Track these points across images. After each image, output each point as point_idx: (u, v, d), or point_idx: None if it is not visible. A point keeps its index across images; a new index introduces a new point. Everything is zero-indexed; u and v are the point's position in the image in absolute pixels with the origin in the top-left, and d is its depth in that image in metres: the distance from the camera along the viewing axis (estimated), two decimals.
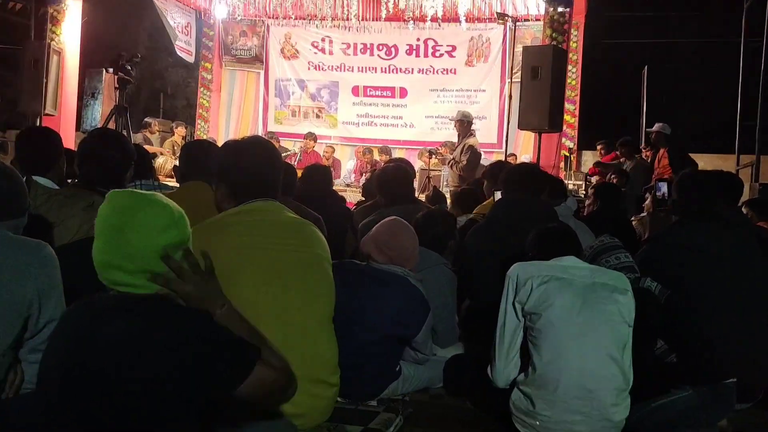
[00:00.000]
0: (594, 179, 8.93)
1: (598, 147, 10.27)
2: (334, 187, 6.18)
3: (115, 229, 1.61)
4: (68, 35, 9.82)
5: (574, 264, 2.67)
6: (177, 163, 8.10)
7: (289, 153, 11.33)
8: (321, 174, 4.98)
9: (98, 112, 10.21)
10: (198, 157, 3.23)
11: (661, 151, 8.35)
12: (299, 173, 5.26)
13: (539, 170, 4.20)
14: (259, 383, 1.63)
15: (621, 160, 9.04)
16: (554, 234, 2.85)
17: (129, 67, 7.46)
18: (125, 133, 7.12)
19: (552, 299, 2.55)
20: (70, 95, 9.91)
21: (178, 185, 3.56)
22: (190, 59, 13.40)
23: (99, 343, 1.57)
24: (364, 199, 5.79)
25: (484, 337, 2.93)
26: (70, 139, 9.79)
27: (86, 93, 9.57)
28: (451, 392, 3.06)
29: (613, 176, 7.89)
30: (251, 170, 2.38)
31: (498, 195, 4.13)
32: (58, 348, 1.66)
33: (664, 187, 5.16)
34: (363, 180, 9.91)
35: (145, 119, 11.43)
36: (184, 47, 12.86)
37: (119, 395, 1.55)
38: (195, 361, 1.57)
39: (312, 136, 11.67)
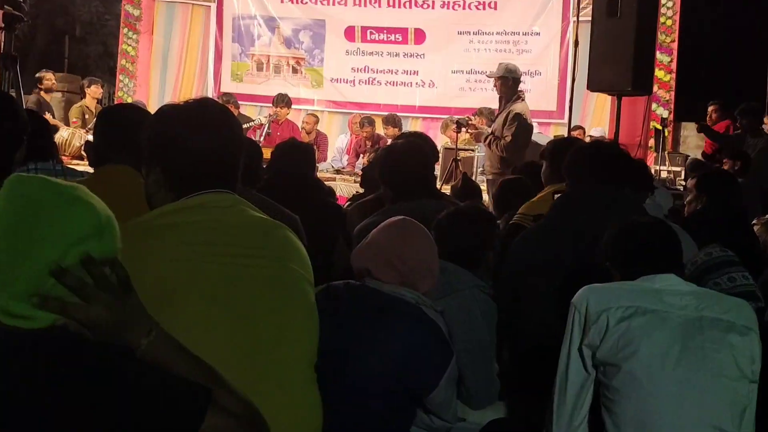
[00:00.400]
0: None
1: (710, 109, 10.17)
2: (318, 174, 6.20)
3: (11, 232, 1.61)
4: None
5: (673, 287, 2.65)
6: (90, 138, 8.14)
7: (252, 124, 11.36)
8: (298, 155, 4.98)
9: None
10: (121, 129, 3.24)
11: None
12: (267, 154, 5.28)
13: (621, 152, 4.19)
14: None
15: (739, 135, 9.00)
16: (645, 234, 2.82)
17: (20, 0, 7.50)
18: (15, 94, 7.15)
19: (637, 344, 2.53)
20: None
21: (90, 170, 3.57)
22: None
23: None
24: (362, 191, 5.80)
25: (537, 395, 2.93)
26: None
27: None
28: None
29: (727, 160, 7.88)
30: (198, 149, 2.37)
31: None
32: None
33: None
34: (361, 164, 9.94)
35: (40, 73, 11.45)
36: None
37: None
38: None
39: (284, 99, 11.70)
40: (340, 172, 10.55)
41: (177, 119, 2.45)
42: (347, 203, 5.84)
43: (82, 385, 1.57)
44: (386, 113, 11.73)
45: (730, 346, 2.55)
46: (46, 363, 1.58)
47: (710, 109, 9.94)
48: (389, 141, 10.24)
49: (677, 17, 11.11)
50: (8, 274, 1.59)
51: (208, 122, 2.43)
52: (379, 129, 11.43)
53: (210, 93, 13.48)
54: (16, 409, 1.55)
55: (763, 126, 9.23)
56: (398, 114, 11.73)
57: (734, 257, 3.17)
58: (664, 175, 9.54)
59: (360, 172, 8.02)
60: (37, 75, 11.37)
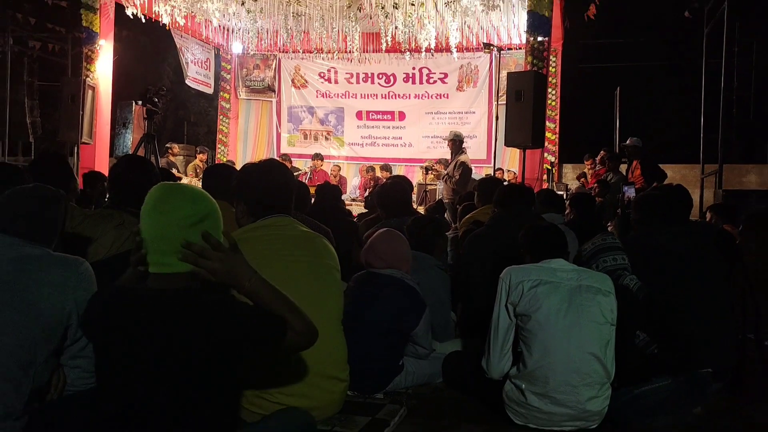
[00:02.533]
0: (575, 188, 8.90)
1: (602, 154, 9.69)
2: (341, 203, 6.19)
3: (150, 211, 1.65)
4: (101, 72, 9.87)
5: (562, 266, 2.63)
6: (200, 184, 8.09)
7: (300, 172, 11.36)
8: (331, 192, 5.00)
9: (129, 140, 10.27)
10: (219, 178, 3.24)
11: (634, 162, 8.34)
12: (312, 190, 5.28)
13: (525, 187, 4.21)
14: (286, 348, 1.69)
15: (607, 174, 8.93)
16: (544, 232, 2.80)
17: (156, 99, 7.47)
18: (153, 159, 7.13)
19: (541, 302, 2.52)
20: (103, 125, 9.94)
21: None
22: (209, 91, 13.46)
23: (153, 329, 1.58)
24: (366, 211, 5.77)
25: (479, 334, 2.92)
26: (104, 164, 9.82)
27: (118, 123, 9.61)
28: (450, 384, 3.05)
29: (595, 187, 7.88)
30: (267, 189, 2.38)
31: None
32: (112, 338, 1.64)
33: (629, 191, 5.13)
34: (366, 194, 9.93)
35: (166, 144, 11.46)
36: (201, 80, 12.91)
37: (166, 377, 1.57)
38: (229, 346, 1.59)
39: (319, 157, 11.73)
40: (354, 200, 10.55)
41: (254, 171, 2.46)
42: (356, 219, 5.79)
43: (211, 321, 1.60)
44: (382, 163, 11.71)
45: (597, 303, 2.53)
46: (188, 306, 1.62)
47: (602, 153, 9.61)
48: (384, 180, 10.25)
49: (558, 99, 11.09)
50: (156, 238, 1.64)
51: (271, 172, 2.43)
52: (378, 173, 11.44)
53: (273, 154, 13.46)
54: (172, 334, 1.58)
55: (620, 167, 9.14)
56: (390, 163, 11.75)
57: (619, 244, 3.09)
58: None
59: (365, 200, 8.01)
60: (167, 145, 11.39)
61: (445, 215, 7.36)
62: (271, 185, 2.39)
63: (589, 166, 9.98)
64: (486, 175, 10.09)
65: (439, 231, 3.58)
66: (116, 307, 1.67)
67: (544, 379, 2.49)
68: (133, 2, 9.98)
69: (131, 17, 10.20)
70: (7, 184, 2.33)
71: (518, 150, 8.21)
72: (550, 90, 9.86)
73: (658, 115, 14.13)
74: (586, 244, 3.11)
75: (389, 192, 4.20)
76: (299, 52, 12.81)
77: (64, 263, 1.98)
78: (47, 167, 3.14)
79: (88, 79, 9.47)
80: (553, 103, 10.80)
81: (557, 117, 10.93)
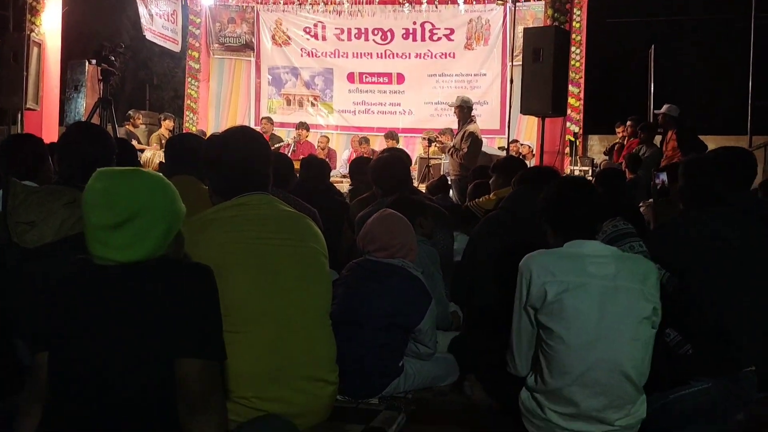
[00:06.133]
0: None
1: (628, 124, 9.75)
2: (331, 179, 6.18)
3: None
4: (48, 26, 9.80)
5: (595, 252, 2.47)
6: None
7: (282, 144, 11.32)
8: (318, 167, 4.98)
9: (81, 106, 10.20)
10: (184, 150, 3.22)
11: (669, 133, 8.34)
12: (297, 164, 5.26)
13: (550, 169, 4.22)
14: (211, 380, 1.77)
15: (639, 146, 8.92)
16: (572, 199, 2.57)
17: (112, 58, 7.42)
18: (110, 127, 7.10)
19: (567, 315, 2.39)
20: (52, 88, 9.89)
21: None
22: (176, 48, 13.34)
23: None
24: (352, 186, 5.77)
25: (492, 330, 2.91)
26: (53, 134, 9.78)
27: (68, 86, 9.56)
28: (464, 368, 3.06)
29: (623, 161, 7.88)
30: (238, 164, 2.36)
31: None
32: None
33: (662, 176, 5.12)
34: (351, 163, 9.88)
35: (129, 112, 11.41)
36: (168, 35, 12.80)
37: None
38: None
39: (304, 126, 11.66)
40: (345, 177, 10.50)
41: (221, 144, 2.45)
42: (347, 195, 5.78)
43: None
44: (385, 132, 11.65)
45: (639, 311, 2.42)
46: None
47: (628, 123, 9.69)
48: (377, 153, 10.24)
49: (583, 60, 11.07)
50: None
51: (241, 144, 2.41)
52: (374, 145, 11.44)
53: (251, 122, 13.40)
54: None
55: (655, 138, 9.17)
56: (395, 132, 11.69)
57: (633, 229, 3.07)
58: (577, 173, 9.52)
59: (348, 168, 7.94)
60: (128, 113, 11.32)
61: (450, 194, 7.36)
62: (243, 159, 2.37)
63: (620, 136, 9.96)
64: (499, 147, 10.14)
65: (422, 210, 3.57)
66: (75, 282, 1.75)
67: (566, 400, 2.44)
68: None
69: None
70: None
71: (536, 119, 8.22)
72: (573, 48, 9.85)
73: (699, 79, 14.08)
74: (609, 224, 3.11)
75: (385, 166, 4.19)
76: (280, 3, 12.72)
77: None
78: (18, 149, 3.15)
79: (32, 34, 9.40)
80: (577, 64, 10.79)
81: (582, 80, 10.92)
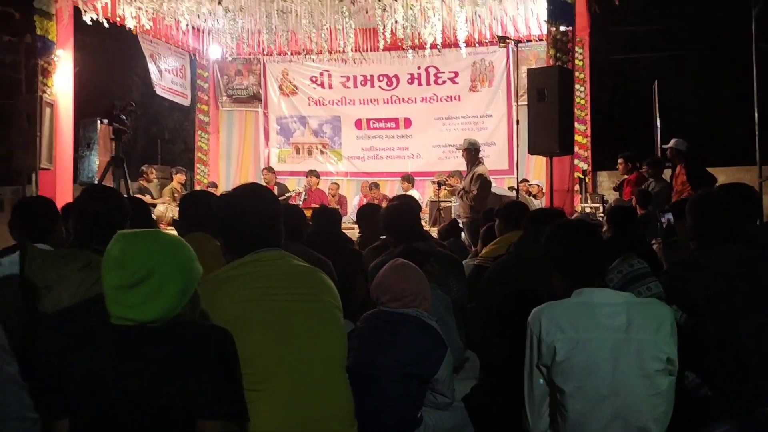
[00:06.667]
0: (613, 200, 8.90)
1: (619, 162, 9.87)
2: (342, 226, 6.20)
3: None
4: (60, 87, 9.96)
5: (606, 301, 2.41)
6: (177, 210, 8.11)
7: (291, 194, 11.39)
8: (329, 217, 5.01)
9: (94, 163, 10.26)
10: (197, 208, 3.26)
11: (678, 167, 8.35)
12: (308, 212, 5.29)
13: (557, 210, 4.23)
14: None
15: (648, 181, 8.91)
16: (578, 240, 2.54)
17: (123, 117, 7.55)
18: (123, 184, 7.19)
19: (578, 376, 2.35)
20: (65, 148, 10.01)
21: (176, 233, 3.58)
22: (186, 102, 13.55)
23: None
24: (360, 234, 5.78)
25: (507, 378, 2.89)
26: (67, 192, 9.89)
27: (81, 144, 9.65)
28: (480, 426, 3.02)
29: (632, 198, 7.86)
30: (249, 223, 2.39)
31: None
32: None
33: (668, 216, 5.10)
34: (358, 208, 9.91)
35: (142, 167, 11.55)
36: (176, 90, 13.02)
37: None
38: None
39: (314, 174, 11.79)
40: (356, 223, 10.50)
41: (231, 203, 2.48)
42: (357, 241, 5.77)
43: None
44: (396, 176, 11.84)
45: (655, 363, 2.36)
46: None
47: (619, 161, 9.80)
48: (388, 199, 10.31)
49: (588, 97, 11.14)
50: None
51: (251, 203, 2.44)
52: (390, 188, 11.51)
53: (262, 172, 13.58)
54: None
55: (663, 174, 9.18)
56: (411, 175, 11.77)
57: (648, 268, 3.02)
58: (588, 210, 9.51)
59: (356, 214, 7.95)
60: (141, 168, 11.47)
61: (462, 237, 7.36)
62: (254, 218, 2.40)
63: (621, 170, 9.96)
64: (509, 187, 10.16)
65: (427, 258, 3.58)
66: (104, 347, 1.78)
67: None
68: (93, 5, 10.09)
69: (90, 23, 10.30)
70: None
71: (544, 158, 8.24)
72: (577, 87, 9.91)
73: (705, 111, 14.14)
74: (610, 273, 3.07)
75: (395, 215, 4.22)
76: (286, 54, 12.92)
77: None
78: (31, 212, 3.19)
79: (45, 95, 9.54)
80: (582, 102, 10.84)
81: (588, 117, 10.96)
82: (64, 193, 9.73)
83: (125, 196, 4.03)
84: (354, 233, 8.11)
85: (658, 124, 11.71)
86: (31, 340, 2.39)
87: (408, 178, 11.49)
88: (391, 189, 12.17)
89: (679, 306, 2.92)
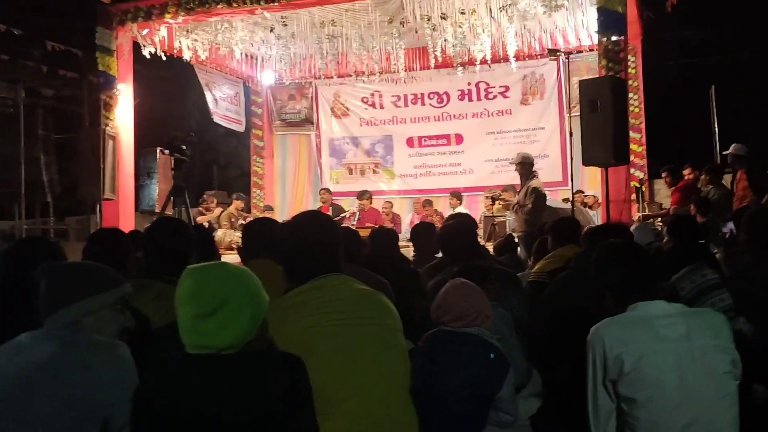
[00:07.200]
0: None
1: (663, 175, 9.87)
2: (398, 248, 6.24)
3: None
4: (121, 119, 10.31)
5: (663, 313, 2.45)
6: (237, 235, 8.29)
7: (345, 214, 11.51)
8: (386, 238, 5.06)
9: (155, 192, 10.59)
10: (260, 235, 3.36)
11: (739, 173, 8.18)
12: (363, 231, 5.34)
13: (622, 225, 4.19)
14: None
15: (707, 187, 8.74)
16: (628, 261, 2.59)
17: (184, 147, 7.77)
18: (185, 212, 7.39)
19: (648, 384, 2.36)
20: (127, 177, 10.33)
21: (238, 258, 3.69)
22: (240, 128, 13.85)
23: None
24: (416, 253, 5.81)
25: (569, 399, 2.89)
26: (129, 221, 10.20)
27: (142, 173, 9.98)
28: None
29: (690, 206, 7.70)
30: (310, 251, 2.47)
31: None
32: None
33: (730, 225, 4.98)
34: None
35: (203, 196, 11.85)
36: (231, 117, 13.34)
37: None
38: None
39: (366, 195, 11.89)
40: (410, 241, 10.55)
41: (292, 234, 2.57)
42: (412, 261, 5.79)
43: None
44: (448, 192, 11.90)
45: (720, 367, 2.39)
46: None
47: (663, 175, 9.68)
48: (449, 212, 10.35)
49: (642, 105, 11.01)
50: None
51: (311, 230, 2.53)
52: (442, 205, 11.60)
53: (316, 193, 13.64)
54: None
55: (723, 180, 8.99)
56: (459, 191, 11.87)
57: (719, 279, 3.02)
58: (646, 219, 9.37)
59: (410, 234, 8.01)
60: (204, 197, 11.82)
61: (518, 252, 7.34)
62: (313, 244, 2.48)
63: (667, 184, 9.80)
64: (564, 199, 10.08)
65: (486, 275, 3.59)
66: (184, 376, 1.86)
67: None
68: (152, 39, 10.43)
69: (149, 56, 10.64)
70: (43, 259, 2.49)
71: (599, 168, 8.18)
72: (631, 95, 9.84)
73: (764, 115, 13.79)
74: (682, 281, 3.06)
75: (452, 234, 4.25)
76: (337, 77, 13.11)
77: (97, 348, 2.10)
78: (106, 243, 3.35)
79: (107, 128, 9.88)
80: (637, 110, 10.73)
81: (643, 126, 10.83)
82: (126, 221, 10.03)
83: (188, 223, 4.16)
84: (408, 251, 8.17)
85: (717, 129, 11.49)
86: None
87: (457, 195, 11.53)
88: (444, 205, 12.17)
89: (747, 318, 2.89)
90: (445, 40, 10.39)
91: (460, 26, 10.15)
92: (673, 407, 2.36)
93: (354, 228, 8.29)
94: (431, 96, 13.26)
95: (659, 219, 9.35)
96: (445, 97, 13.18)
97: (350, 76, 13.02)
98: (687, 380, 2.36)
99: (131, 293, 2.36)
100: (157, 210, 9.00)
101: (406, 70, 11.95)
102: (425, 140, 13.39)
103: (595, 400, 2.49)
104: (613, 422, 2.49)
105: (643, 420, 2.38)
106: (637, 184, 10.12)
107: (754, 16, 13.73)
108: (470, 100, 13.06)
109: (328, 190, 12.34)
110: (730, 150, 8.32)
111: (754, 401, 2.71)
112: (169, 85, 14.82)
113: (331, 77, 13.15)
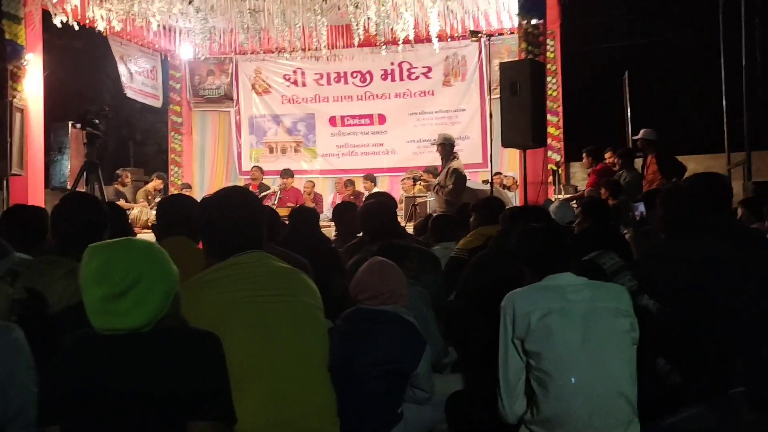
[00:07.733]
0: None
1: (584, 156, 10.18)
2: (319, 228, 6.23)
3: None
4: (30, 91, 9.85)
5: (570, 283, 2.62)
6: (154, 213, 8.10)
7: (267, 192, 11.40)
8: (307, 217, 5.03)
9: (66, 168, 10.20)
10: (175, 212, 3.29)
11: (649, 157, 8.49)
12: (283, 211, 5.30)
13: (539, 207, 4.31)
14: None
15: (618, 170, 9.02)
16: (543, 238, 2.79)
17: (97, 122, 7.51)
18: (98, 189, 7.16)
19: (554, 336, 2.50)
20: (36, 153, 9.91)
21: (154, 237, 3.61)
22: (157, 104, 13.46)
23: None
24: (337, 232, 5.83)
25: (484, 371, 2.96)
26: (39, 198, 9.80)
27: (53, 149, 9.58)
28: (456, 429, 3.09)
29: (602, 189, 7.95)
30: (232, 226, 2.44)
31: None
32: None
33: (641, 207, 5.19)
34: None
35: (117, 171, 11.49)
36: (148, 92, 12.95)
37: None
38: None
39: (288, 173, 11.79)
40: (332, 220, 10.56)
41: (213, 207, 2.53)
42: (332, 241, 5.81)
43: None
44: (363, 174, 11.86)
45: (619, 327, 2.55)
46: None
47: (584, 156, 9.96)
48: (365, 194, 10.36)
49: (560, 89, 11.23)
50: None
51: (234, 206, 2.49)
52: (359, 187, 11.57)
53: (235, 172, 13.59)
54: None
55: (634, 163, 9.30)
56: (373, 174, 11.89)
57: (622, 263, 3.14)
58: (563, 199, 9.62)
59: (332, 213, 8.01)
60: (116, 172, 11.43)
61: None
62: (235, 221, 2.45)
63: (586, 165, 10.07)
64: (483, 181, 10.25)
65: (406, 254, 3.64)
66: (98, 356, 1.81)
67: (562, 425, 2.49)
68: (63, 8, 10.00)
69: (60, 25, 10.21)
70: None
71: (518, 150, 8.36)
72: (549, 79, 10.02)
73: (674, 100, 14.35)
74: (603, 258, 3.18)
75: (371, 213, 4.28)
76: (259, 53, 12.91)
77: None
78: (22, 221, 3.20)
79: (15, 100, 9.45)
80: (555, 94, 10.94)
81: (560, 109, 11.06)
82: (36, 198, 9.63)
83: (102, 200, 4.04)
84: (330, 231, 8.16)
85: (629, 114, 11.88)
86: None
87: (370, 177, 11.56)
88: (367, 186, 12.21)
89: (651, 294, 3.01)
90: (368, 18, 10.35)
91: (383, 4, 10.14)
92: (576, 362, 2.50)
93: (274, 207, 8.23)
94: (354, 75, 13.20)
95: (574, 201, 9.61)
96: (368, 76, 13.14)
97: (272, 52, 12.82)
98: (591, 337, 2.51)
99: (23, 265, 2.28)
100: (68, 187, 8.68)
101: (328, 48, 11.86)
102: (348, 119, 13.34)
103: (505, 360, 2.61)
104: (522, 384, 2.60)
105: (549, 374, 2.51)
106: (554, 167, 10.37)
107: (667, 2, 14.24)
108: (393, 80, 13.07)
109: (260, 169, 12.21)
110: (640, 135, 8.61)
111: (657, 374, 2.83)
112: (83, 57, 14.24)
113: (253, 53, 12.94)
